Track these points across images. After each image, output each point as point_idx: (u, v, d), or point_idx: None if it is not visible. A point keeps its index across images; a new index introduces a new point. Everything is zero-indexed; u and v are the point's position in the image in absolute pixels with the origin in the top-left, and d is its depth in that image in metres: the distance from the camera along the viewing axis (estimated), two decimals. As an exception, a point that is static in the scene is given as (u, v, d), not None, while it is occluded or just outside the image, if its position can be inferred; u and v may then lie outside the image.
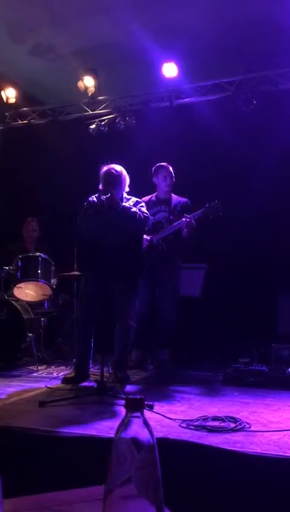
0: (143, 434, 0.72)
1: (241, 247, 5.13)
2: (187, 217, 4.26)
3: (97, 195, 3.77)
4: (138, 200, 3.93)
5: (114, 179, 3.68)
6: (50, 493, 1.25)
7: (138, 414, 0.73)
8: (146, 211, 3.82)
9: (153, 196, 4.54)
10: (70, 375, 3.77)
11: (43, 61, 5.87)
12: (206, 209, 4.35)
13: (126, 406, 0.73)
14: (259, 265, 5.07)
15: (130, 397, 0.74)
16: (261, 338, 4.43)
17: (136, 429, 0.72)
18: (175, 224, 4.36)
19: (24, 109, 6.49)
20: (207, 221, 4.36)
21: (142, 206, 3.85)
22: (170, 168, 4.55)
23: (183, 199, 4.57)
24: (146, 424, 0.73)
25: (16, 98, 6.18)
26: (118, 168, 3.76)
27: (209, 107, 5.44)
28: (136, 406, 0.73)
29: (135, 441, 0.72)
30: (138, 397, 0.73)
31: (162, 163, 4.55)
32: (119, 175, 3.72)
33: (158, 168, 4.55)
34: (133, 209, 3.71)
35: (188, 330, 4.72)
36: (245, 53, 5.28)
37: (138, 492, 0.70)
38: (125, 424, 0.73)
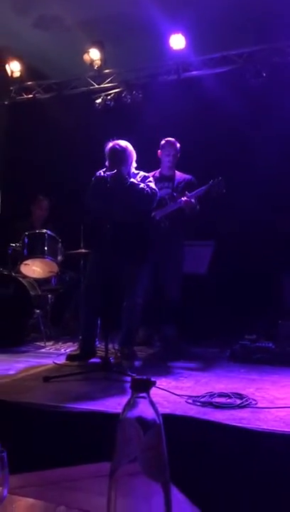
0: (149, 415, 0.71)
1: (247, 224, 5.07)
2: (186, 196, 4.22)
3: (104, 169, 3.72)
4: (146, 174, 3.86)
5: (120, 155, 3.61)
6: (57, 469, 1.26)
7: (145, 394, 0.71)
8: (154, 186, 3.77)
9: (156, 172, 4.48)
10: (74, 352, 3.79)
11: (48, 33, 5.75)
12: (209, 186, 4.29)
13: (131, 386, 0.72)
14: (266, 242, 5.03)
15: (136, 377, 0.72)
16: (268, 314, 4.42)
17: (142, 410, 0.71)
18: (175, 202, 4.31)
19: (29, 83, 6.39)
20: (211, 198, 4.31)
21: (150, 181, 3.78)
22: (177, 145, 4.47)
23: (187, 176, 4.51)
24: (152, 404, 0.71)
25: (21, 72, 6.08)
26: (123, 143, 3.68)
27: (217, 79, 5.32)
28: (142, 386, 0.72)
29: (141, 422, 0.71)
30: (144, 377, 0.72)
31: (169, 139, 4.47)
32: (124, 150, 3.65)
33: (163, 143, 4.48)
34: (141, 185, 3.65)
35: (195, 307, 4.72)
36: (254, 24, 5.12)
37: (144, 473, 0.69)
38: (131, 405, 0.72)
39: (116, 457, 0.73)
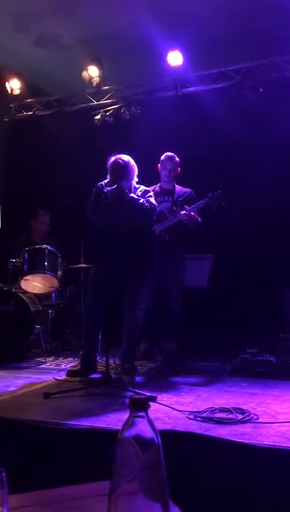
0: (148, 434, 0.71)
1: (247, 236, 5.09)
2: (185, 210, 4.25)
3: (106, 181, 3.75)
4: (147, 189, 3.89)
5: (121, 170, 3.64)
6: (58, 489, 1.25)
7: (143, 413, 0.72)
8: (153, 201, 3.78)
9: (156, 186, 4.52)
10: (75, 368, 3.78)
11: (47, 51, 5.83)
12: (209, 199, 4.32)
13: (129, 405, 0.72)
14: (266, 255, 5.04)
15: (134, 396, 0.73)
16: (269, 328, 4.41)
17: (141, 429, 0.71)
18: (174, 216, 4.34)
19: (29, 100, 6.47)
20: (211, 211, 4.34)
21: (150, 196, 3.80)
22: (176, 159, 4.51)
23: (186, 190, 4.54)
24: (150, 423, 0.72)
25: (21, 89, 6.16)
26: (125, 158, 3.71)
27: (215, 95, 5.39)
28: (140, 406, 0.72)
29: (139, 441, 0.71)
30: (143, 396, 0.72)
31: (168, 153, 4.52)
32: (126, 165, 3.68)
33: (163, 158, 4.52)
34: (141, 200, 3.67)
35: (196, 320, 4.71)
36: (251, 40, 5.20)
37: (143, 494, 0.69)
38: (129, 424, 0.72)
39: (115, 477, 0.73)
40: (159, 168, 4.55)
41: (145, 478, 0.70)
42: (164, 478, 0.72)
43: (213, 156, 5.21)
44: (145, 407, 0.72)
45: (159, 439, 0.71)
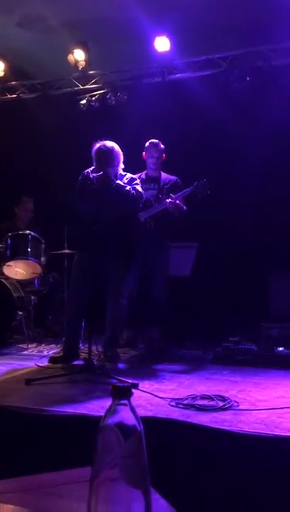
0: (130, 422, 0.71)
1: (231, 226, 5.11)
2: (171, 198, 4.24)
3: (92, 168, 3.71)
4: (133, 176, 3.85)
5: (106, 156, 3.60)
6: (39, 475, 1.25)
7: (126, 401, 0.71)
8: (140, 189, 3.75)
9: (142, 174, 4.49)
10: (57, 355, 3.77)
11: (32, 33, 5.70)
12: (194, 188, 4.32)
13: (112, 393, 0.72)
14: (250, 244, 5.07)
15: (117, 384, 0.72)
16: (252, 317, 4.45)
17: (123, 417, 0.71)
18: (159, 204, 4.33)
19: (13, 82, 6.34)
20: (196, 200, 4.34)
21: (136, 184, 3.77)
22: (161, 146, 4.48)
23: (172, 177, 4.53)
24: (133, 411, 0.71)
25: (5, 71, 6.02)
26: (109, 144, 3.66)
27: (201, 82, 5.35)
28: (122, 393, 0.71)
29: (122, 429, 0.70)
30: (125, 384, 0.72)
31: (152, 140, 4.48)
32: (111, 151, 3.64)
33: (147, 145, 4.49)
34: (127, 187, 3.64)
35: (179, 309, 4.73)
36: (238, 28, 5.16)
37: (124, 481, 0.69)
38: (112, 412, 0.71)
39: (97, 464, 0.73)
40: (144, 155, 4.51)
41: (127, 465, 0.70)
42: (146, 466, 0.72)
43: (199, 144, 5.20)
44: (128, 395, 0.72)
45: (141, 426, 0.71)
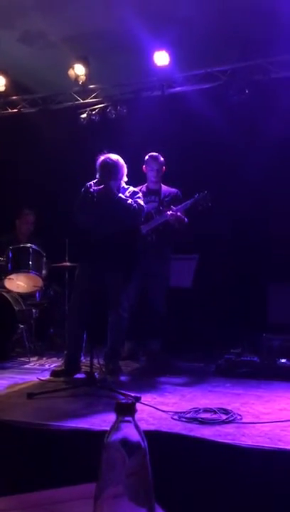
0: (134, 439, 0.71)
1: (231, 237, 5.13)
2: (172, 210, 4.26)
3: (94, 181, 3.72)
4: (136, 190, 3.87)
5: (109, 169, 3.62)
6: (41, 492, 1.24)
7: (130, 418, 0.71)
8: (142, 202, 3.76)
9: (143, 187, 4.51)
10: (59, 368, 3.76)
11: (33, 48, 5.77)
12: (195, 200, 4.34)
13: (116, 410, 0.72)
14: (250, 255, 5.08)
15: (120, 401, 0.72)
16: (252, 328, 4.44)
17: (127, 434, 0.71)
18: (161, 216, 4.35)
19: (14, 97, 6.40)
20: (197, 212, 4.35)
21: (139, 197, 3.78)
22: (161, 159, 4.51)
23: (173, 190, 4.55)
24: (137, 428, 0.71)
25: (6, 86, 6.08)
26: (114, 157, 3.67)
27: (201, 96, 5.39)
28: (126, 410, 0.71)
29: (126, 446, 0.70)
30: (129, 400, 0.72)
31: (152, 154, 4.51)
32: (115, 164, 3.64)
33: (147, 158, 4.52)
34: (129, 200, 3.65)
35: (180, 321, 4.73)
36: (237, 42, 5.22)
37: (129, 498, 0.69)
38: (115, 429, 0.71)
39: (101, 481, 0.73)
40: (144, 169, 4.54)
41: (131, 483, 0.69)
42: (150, 483, 0.71)
43: (199, 156, 5.23)
44: (132, 412, 0.72)
45: (146, 443, 0.71)
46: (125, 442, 0.71)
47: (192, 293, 4.96)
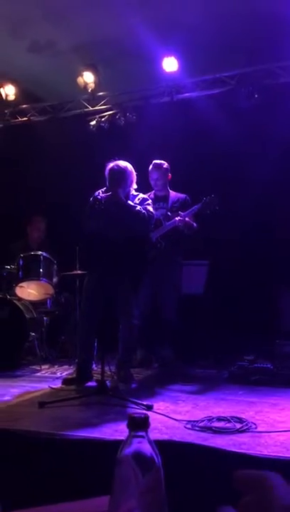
0: (148, 456, 0.68)
1: (243, 243, 5.08)
2: (180, 216, 4.24)
3: (104, 189, 3.71)
4: (145, 197, 3.84)
5: (117, 176, 3.60)
6: (54, 505, 1.22)
7: (143, 433, 0.69)
8: (151, 209, 3.73)
9: (151, 194, 4.50)
10: (71, 376, 3.73)
11: (42, 57, 5.81)
12: (203, 204, 4.32)
13: (128, 425, 0.69)
14: (262, 261, 5.03)
15: (133, 415, 0.70)
16: (265, 334, 4.39)
17: (140, 450, 0.68)
18: (169, 222, 4.32)
19: (24, 106, 6.44)
20: (205, 216, 4.33)
21: (148, 204, 3.75)
22: (164, 166, 4.49)
23: (181, 195, 4.53)
24: (150, 443, 0.69)
25: (16, 95, 6.12)
26: (122, 164, 3.65)
27: (210, 101, 5.38)
28: (139, 425, 0.69)
29: (139, 463, 0.68)
30: (142, 415, 0.69)
31: (155, 162, 4.50)
32: (123, 171, 3.62)
33: (150, 167, 4.50)
34: (138, 207, 3.63)
35: (192, 327, 4.68)
36: (246, 46, 5.20)
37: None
38: (128, 444, 0.69)
39: (114, 498, 0.70)
40: (149, 177, 4.52)
41: (144, 500, 0.67)
42: (164, 501, 0.69)
43: (209, 162, 5.21)
44: (145, 427, 0.69)
45: (159, 459, 0.69)
46: (138, 458, 0.68)
47: (203, 299, 4.91)
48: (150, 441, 0.69)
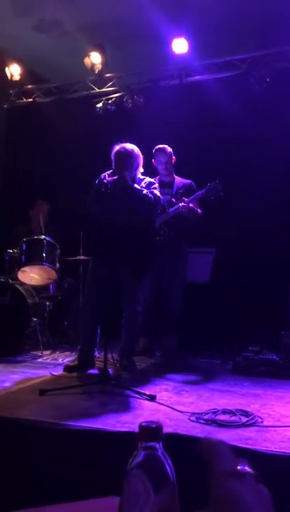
0: (161, 470, 0.60)
1: (250, 231, 4.97)
2: (184, 202, 4.14)
3: (110, 171, 3.61)
4: (152, 180, 3.74)
5: (124, 159, 3.50)
6: (59, 505, 1.16)
7: (155, 444, 0.61)
8: (158, 193, 3.62)
9: (156, 179, 4.39)
10: (72, 364, 3.66)
11: (48, 37, 5.68)
12: (207, 189, 4.22)
13: (138, 435, 0.61)
14: (269, 250, 4.92)
15: (144, 424, 0.61)
16: (271, 325, 4.31)
17: (152, 463, 0.60)
18: (173, 209, 4.23)
19: (29, 86, 6.30)
20: (210, 201, 4.23)
21: (155, 188, 3.65)
22: (168, 150, 4.37)
23: (186, 181, 4.42)
24: (164, 456, 0.61)
25: (21, 75, 5.99)
26: (129, 146, 3.55)
27: (220, 85, 5.23)
28: (151, 435, 0.61)
29: (150, 478, 0.60)
30: (154, 424, 0.61)
31: (159, 146, 4.38)
32: (129, 154, 3.51)
33: (155, 152, 4.39)
34: (144, 191, 3.52)
35: (197, 316, 4.60)
36: (258, 29, 5.04)
37: None
38: (138, 456, 0.61)
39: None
40: (154, 162, 4.41)
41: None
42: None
43: (217, 147, 5.07)
44: (157, 438, 0.61)
45: (174, 475, 0.61)
46: (150, 472, 0.60)
47: (209, 288, 4.82)
48: (163, 454, 0.61)
